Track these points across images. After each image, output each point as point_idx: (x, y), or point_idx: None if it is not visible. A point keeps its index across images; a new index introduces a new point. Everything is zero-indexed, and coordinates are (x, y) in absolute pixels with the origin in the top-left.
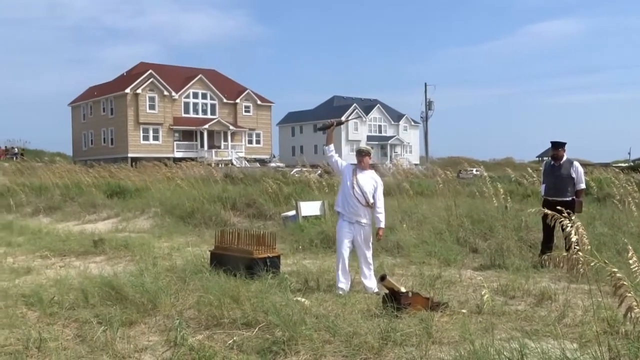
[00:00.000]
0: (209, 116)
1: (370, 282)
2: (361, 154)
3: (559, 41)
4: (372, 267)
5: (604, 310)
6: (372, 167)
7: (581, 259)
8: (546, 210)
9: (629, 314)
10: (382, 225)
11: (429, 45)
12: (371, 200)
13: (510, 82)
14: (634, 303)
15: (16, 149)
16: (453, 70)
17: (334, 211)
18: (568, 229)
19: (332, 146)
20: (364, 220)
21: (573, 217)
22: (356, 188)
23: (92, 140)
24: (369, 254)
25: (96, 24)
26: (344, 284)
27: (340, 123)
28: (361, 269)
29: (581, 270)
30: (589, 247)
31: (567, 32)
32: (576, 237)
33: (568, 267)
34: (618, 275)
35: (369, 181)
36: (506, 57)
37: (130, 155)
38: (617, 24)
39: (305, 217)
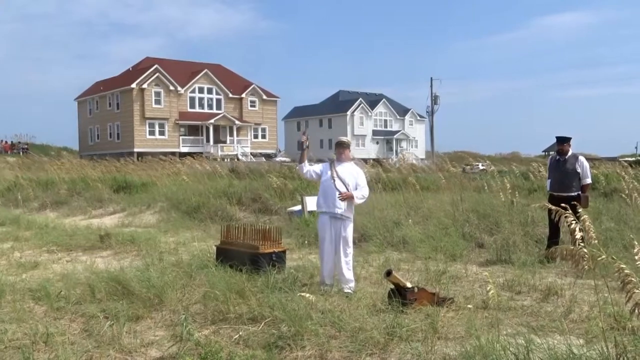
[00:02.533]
0: (214, 111)
1: (346, 281)
2: (342, 145)
3: (568, 34)
4: (350, 265)
5: (610, 306)
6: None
7: (587, 254)
8: (550, 206)
9: (636, 310)
10: (355, 196)
11: (436, 40)
12: (352, 191)
13: (517, 76)
14: None
15: (26, 145)
16: (460, 64)
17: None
18: (573, 225)
19: (304, 164)
20: (346, 214)
21: (580, 210)
22: (337, 180)
23: (98, 135)
24: (349, 251)
25: (105, 19)
26: (327, 283)
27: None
28: (339, 266)
29: (586, 266)
30: (596, 241)
31: (577, 26)
32: (581, 233)
33: (573, 262)
34: (626, 271)
35: (350, 173)
36: (514, 51)
37: (136, 150)
38: (627, 17)
39: (310, 212)
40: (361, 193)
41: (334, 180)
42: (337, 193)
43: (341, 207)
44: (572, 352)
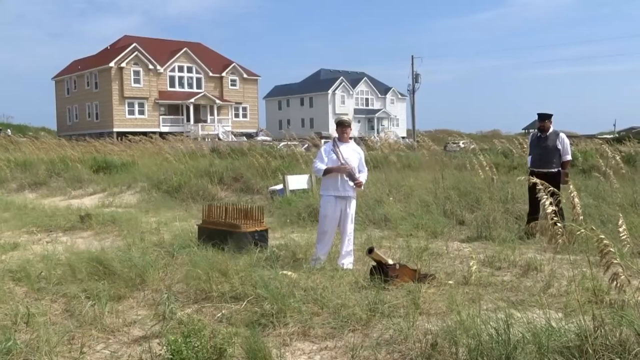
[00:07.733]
0: (194, 90)
1: (349, 256)
2: (343, 124)
3: (548, 12)
4: (352, 244)
5: (588, 280)
6: (356, 141)
7: (560, 229)
8: (531, 179)
9: (614, 281)
10: (363, 180)
11: (418, 18)
12: (357, 175)
13: (497, 54)
14: (620, 270)
15: (9, 130)
16: (441, 42)
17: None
18: (544, 199)
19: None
20: (351, 193)
21: (570, 183)
22: (343, 162)
23: (76, 115)
24: (352, 228)
25: None
26: (321, 259)
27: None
28: (342, 243)
29: (560, 241)
30: (582, 217)
31: (557, 3)
32: (553, 207)
33: (548, 238)
34: (605, 241)
35: (354, 155)
36: (494, 29)
37: (115, 130)
38: None
39: (292, 191)
40: (365, 176)
41: (341, 164)
42: (348, 179)
43: (347, 188)
44: (551, 326)
